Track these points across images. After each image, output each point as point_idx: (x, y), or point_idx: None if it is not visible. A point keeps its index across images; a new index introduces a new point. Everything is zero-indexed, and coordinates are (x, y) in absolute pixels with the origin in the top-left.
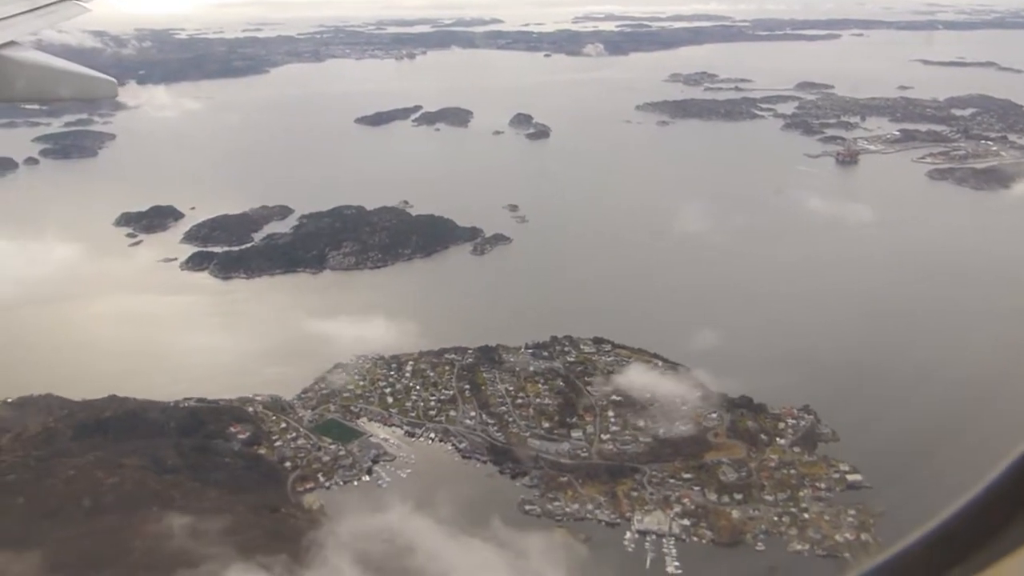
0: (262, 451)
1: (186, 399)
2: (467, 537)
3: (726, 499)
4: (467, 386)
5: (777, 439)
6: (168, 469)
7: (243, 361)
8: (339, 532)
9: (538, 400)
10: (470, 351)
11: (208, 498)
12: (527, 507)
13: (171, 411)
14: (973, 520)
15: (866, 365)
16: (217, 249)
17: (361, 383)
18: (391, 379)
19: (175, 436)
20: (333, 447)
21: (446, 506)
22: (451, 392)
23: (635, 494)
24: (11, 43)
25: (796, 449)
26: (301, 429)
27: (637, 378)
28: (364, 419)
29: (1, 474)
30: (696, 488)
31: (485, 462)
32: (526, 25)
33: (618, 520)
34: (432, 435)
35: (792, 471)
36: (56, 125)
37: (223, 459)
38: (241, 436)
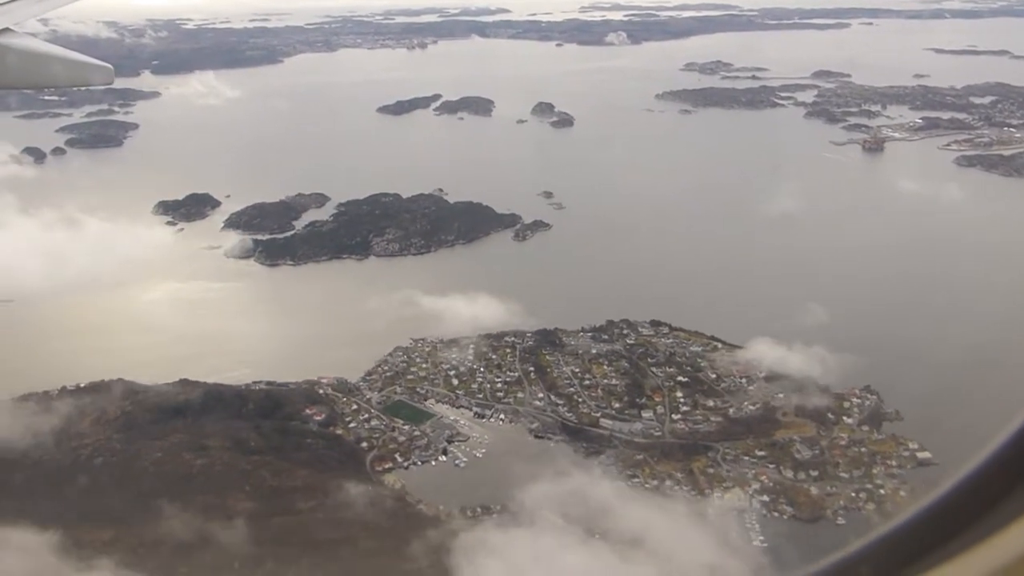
0: (338, 432)
1: (255, 382)
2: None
3: (802, 476)
4: (531, 368)
5: (844, 418)
6: (251, 450)
7: (303, 345)
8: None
9: (605, 381)
10: (529, 334)
11: (299, 476)
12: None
13: (245, 394)
14: (968, 494)
15: (924, 348)
16: (260, 236)
17: (424, 366)
18: (454, 361)
19: (254, 418)
20: (406, 428)
21: (527, 484)
22: (516, 374)
23: (711, 471)
24: (6, 30)
25: (864, 428)
26: (372, 410)
27: (700, 359)
28: (431, 401)
29: (89, 457)
30: (771, 465)
31: (558, 442)
32: (534, 15)
33: (698, 497)
34: (502, 416)
35: (863, 449)
36: (77, 115)
37: (304, 440)
38: (317, 418)
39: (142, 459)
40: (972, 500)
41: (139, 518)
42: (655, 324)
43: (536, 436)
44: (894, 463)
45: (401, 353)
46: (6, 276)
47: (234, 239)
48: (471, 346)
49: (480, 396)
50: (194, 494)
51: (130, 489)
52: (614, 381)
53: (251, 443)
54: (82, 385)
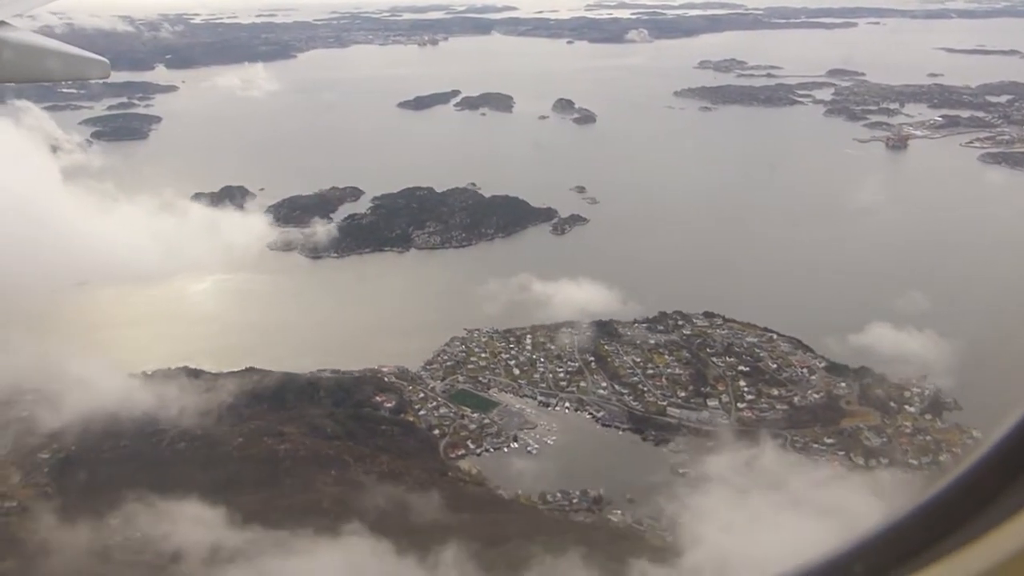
0: (410, 419)
1: (320, 370)
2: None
3: (873, 463)
4: (591, 358)
5: (905, 407)
6: (329, 436)
7: (360, 334)
8: None
9: (668, 371)
10: (584, 324)
11: (381, 462)
12: (680, 470)
13: (315, 382)
14: (963, 492)
15: (975, 339)
16: (305, 229)
17: (483, 355)
18: (512, 351)
19: (327, 405)
20: (475, 416)
21: (601, 469)
22: (576, 364)
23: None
24: (2, 23)
25: (927, 416)
26: (439, 398)
27: (758, 349)
28: (494, 390)
29: (171, 442)
30: (840, 453)
31: (625, 430)
32: (540, 12)
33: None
34: (566, 405)
35: (927, 437)
36: (99, 108)
37: (379, 426)
38: (387, 405)
39: (225, 444)
40: (966, 498)
41: (231, 502)
42: (708, 315)
43: (603, 425)
44: (959, 451)
45: (459, 343)
46: (74, 259)
47: (274, 231)
48: (527, 336)
49: (543, 385)
50: (282, 477)
51: (219, 472)
52: (677, 371)
53: (327, 429)
54: (148, 372)
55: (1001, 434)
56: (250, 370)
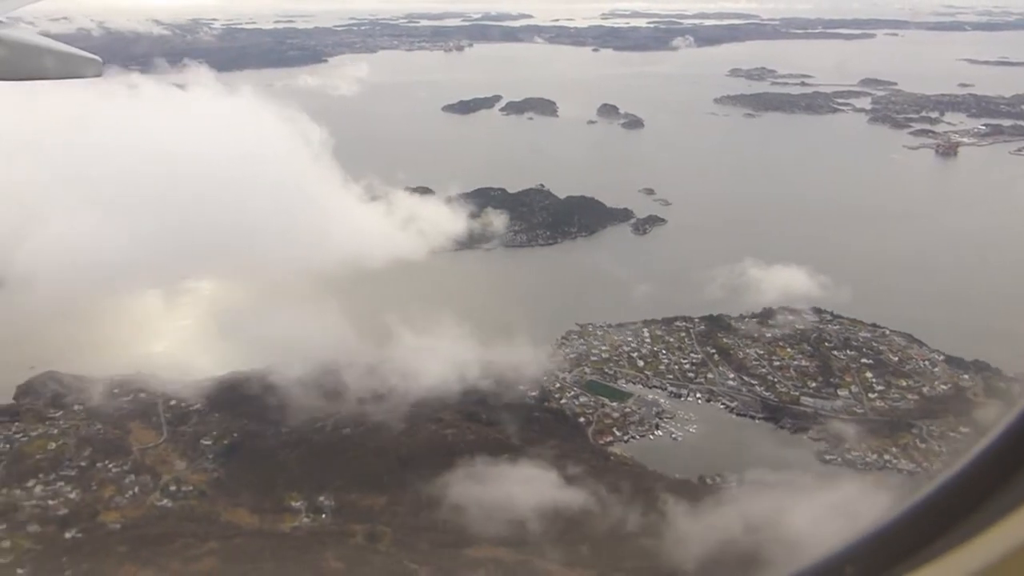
0: (554, 407)
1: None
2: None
3: None
4: (712, 351)
5: None
6: (486, 422)
7: (472, 328)
8: None
9: (795, 362)
10: (695, 319)
11: (549, 446)
12: (827, 457)
13: (446, 372)
14: (955, 493)
15: None
16: None
17: (603, 348)
18: (631, 344)
19: (476, 392)
20: (614, 404)
21: (748, 455)
22: (699, 356)
23: (922, 446)
24: None
25: None
26: (575, 388)
27: (875, 343)
28: (622, 381)
29: (335, 427)
30: None
31: (760, 419)
32: (557, 20)
33: (918, 470)
34: (698, 395)
35: None
36: None
37: (532, 413)
38: (532, 393)
39: (390, 429)
40: (958, 499)
41: (410, 486)
42: (817, 311)
43: (738, 414)
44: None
45: (576, 336)
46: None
47: None
48: (644, 329)
49: (670, 377)
50: (457, 461)
51: (391, 457)
52: (803, 362)
53: (482, 416)
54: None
55: (992, 436)
56: (385, 361)
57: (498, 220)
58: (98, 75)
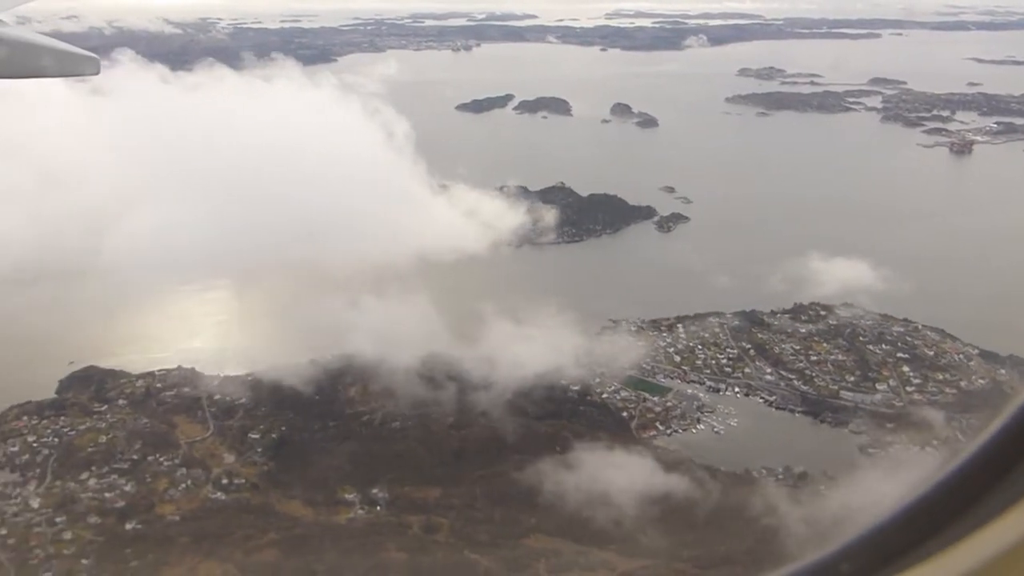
0: (597, 401)
1: (481, 356)
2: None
3: None
4: (748, 346)
5: None
6: (534, 416)
7: (511, 324)
8: None
9: (831, 357)
10: (728, 315)
11: (597, 439)
12: (869, 451)
13: (487, 367)
14: (949, 492)
15: None
16: None
17: (638, 343)
18: (667, 339)
19: (520, 387)
20: (655, 399)
21: (791, 448)
22: (735, 351)
23: (964, 440)
24: None
25: None
26: (615, 383)
27: (908, 337)
28: (659, 376)
29: (384, 421)
30: None
31: (800, 413)
32: (561, 20)
33: None
34: (736, 390)
35: None
36: None
37: (577, 407)
38: (574, 388)
39: (438, 422)
40: (953, 498)
41: (464, 480)
42: (848, 306)
43: (777, 408)
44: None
45: (611, 331)
46: None
47: None
48: (679, 325)
49: (707, 372)
50: (508, 453)
51: (442, 449)
52: (840, 357)
53: (528, 410)
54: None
55: (985, 435)
56: (430, 355)
57: (523, 218)
58: (96, 73)
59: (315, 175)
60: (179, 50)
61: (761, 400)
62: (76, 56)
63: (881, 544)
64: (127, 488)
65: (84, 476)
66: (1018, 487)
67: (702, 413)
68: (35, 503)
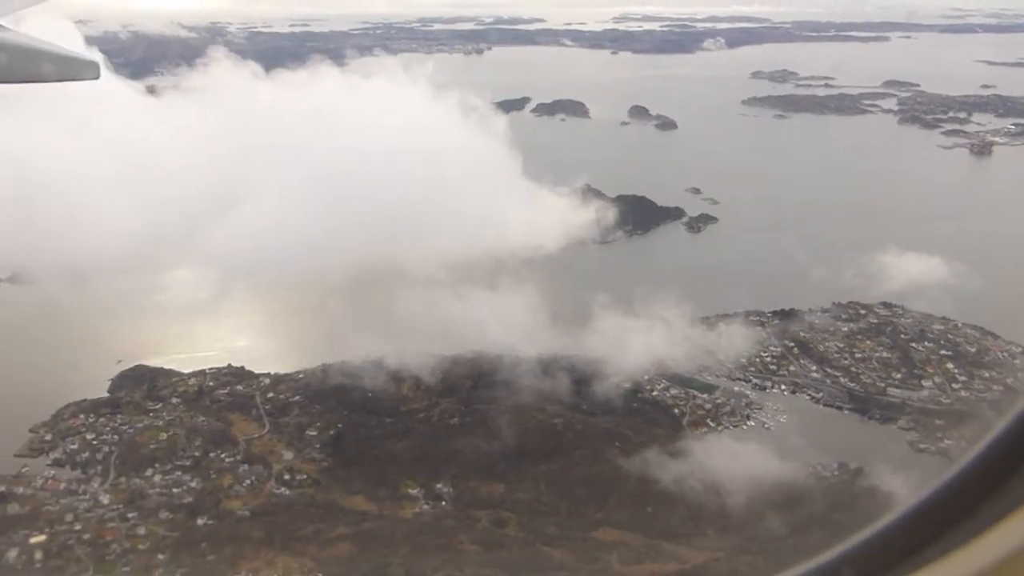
0: (647, 397)
1: (535, 354)
2: None
3: None
4: (791, 343)
5: None
6: (588, 412)
7: (558, 322)
8: None
9: (876, 354)
10: (768, 313)
11: (654, 435)
12: (920, 446)
13: (541, 364)
14: (951, 497)
15: None
16: None
17: (683, 341)
18: (709, 337)
19: (574, 383)
20: (703, 396)
21: (841, 444)
22: (778, 349)
23: None
24: None
25: None
26: (664, 380)
27: (950, 335)
28: (705, 373)
29: (441, 417)
30: None
31: (848, 410)
32: (569, 24)
33: None
34: (782, 387)
35: None
36: None
37: (630, 404)
38: (625, 385)
39: (495, 419)
40: (953, 504)
41: (526, 475)
42: (887, 305)
43: (824, 405)
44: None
45: (655, 329)
46: None
47: None
48: (720, 323)
49: (752, 369)
50: (569, 449)
51: (503, 444)
52: (884, 354)
53: (582, 406)
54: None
55: (986, 442)
56: (477, 354)
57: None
58: (96, 78)
59: (367, 176)
60: (192, 53)
61: (808, 397)
62: (77, 60)
63: (882, 549)
64: (193, 484)
65: (149, 472)
66: (1018, 493)
67: (751, 410)
68: (105, 499)
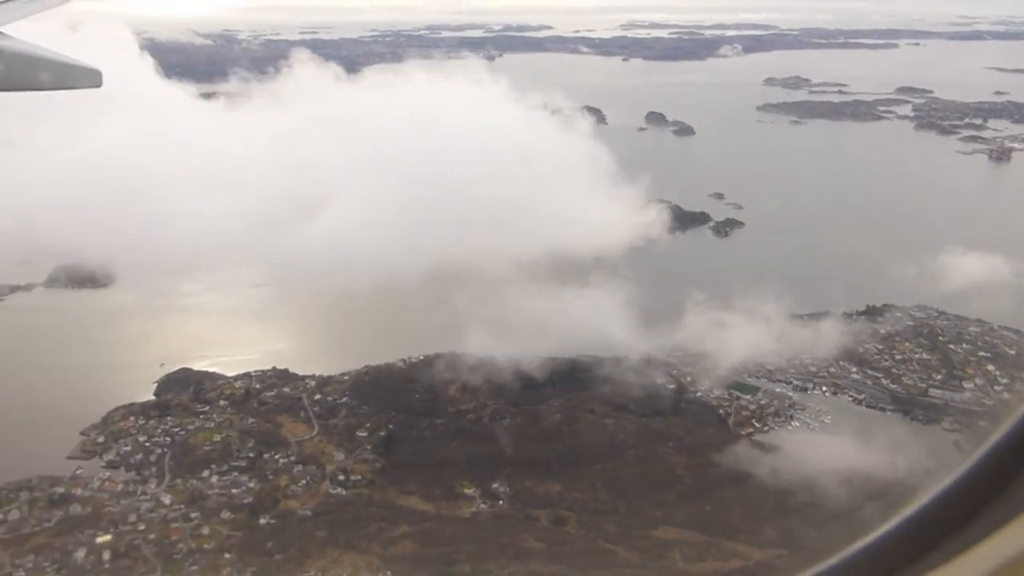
0: (692, 399)
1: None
2: None
3: None
4: (829, 346)
5: None
6: (637, 413)
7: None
8: None
9: (916, 356)
10: (804, 316)
11: (705, 435)
12: (965, 448)
13: (588, 364)
14: (955, 500)
15: None
16: None
17: (723, 343)
18: (749, 339)
19: (620, 385)
20: (747, 397)
21: (887, 444)
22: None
23: None
24: None
25: None
26: (706, 382)
27: (987, 336)
28: (746, 375)
29: (492, 418)
30: None
31: (890, 411)
32: (578, 31)
33: None
34: (824, 388)
35: None
36: None
37: (679, 405)
38: (670, 386)
39: (545, 420)
40: (954, 510)
41: (584, 476)
42: (921, 307)
43: (867, 406)
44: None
45: (689, 332)
46: None
47: None
48: (759, 323)
49: (792, 371)
50: (623, 449)
51: (556, 445)
52: (924, 356)
53: (630, 407)
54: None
55: (987, 448)
56: (531, 353)
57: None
58: (98, 86)
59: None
60: (207, 60)
61: (850, 398)
62: (77, 68)
63: (885, 555)
64: (251, 485)
65: (205, 473)
66: (1021, 498)
67: (795, 411)
68: (166, 499)
